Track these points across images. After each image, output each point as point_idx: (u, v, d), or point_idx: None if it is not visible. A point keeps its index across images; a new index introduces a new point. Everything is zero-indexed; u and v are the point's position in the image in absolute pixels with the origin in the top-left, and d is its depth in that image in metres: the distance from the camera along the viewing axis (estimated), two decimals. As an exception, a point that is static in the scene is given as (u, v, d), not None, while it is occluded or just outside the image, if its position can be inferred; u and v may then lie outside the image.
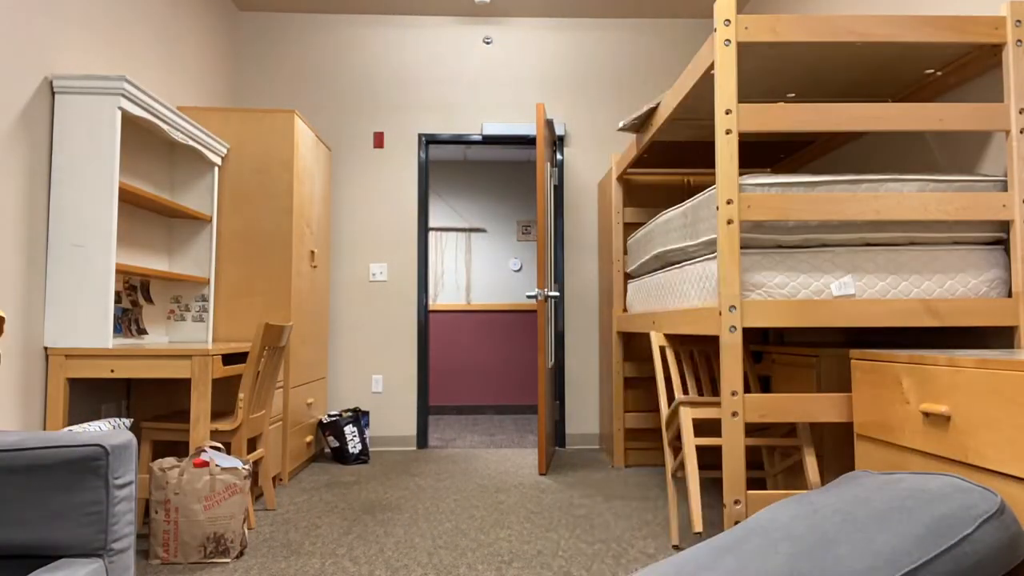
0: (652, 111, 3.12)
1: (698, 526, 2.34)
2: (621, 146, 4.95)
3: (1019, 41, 2.19)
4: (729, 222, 2.14)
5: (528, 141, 4.90)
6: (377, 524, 2.96)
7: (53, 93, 2.77)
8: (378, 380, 4.76)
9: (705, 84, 2.54)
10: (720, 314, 2.14)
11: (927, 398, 1.71)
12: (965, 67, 2.48)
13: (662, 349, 2.87)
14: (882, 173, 2.47)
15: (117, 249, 3.17)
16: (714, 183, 2.72)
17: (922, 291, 2.20)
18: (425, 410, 4.80)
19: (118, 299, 3.17)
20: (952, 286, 2.20)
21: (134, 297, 3.33)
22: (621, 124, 3.33)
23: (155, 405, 3.35)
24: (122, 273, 3.16)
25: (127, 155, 3.24)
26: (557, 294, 4.28)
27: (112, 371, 2.73)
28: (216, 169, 3.69)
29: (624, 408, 4.20)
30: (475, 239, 7.00)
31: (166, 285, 3.63)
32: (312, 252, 4.16)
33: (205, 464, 2.54)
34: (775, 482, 2.76)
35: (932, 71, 2.55)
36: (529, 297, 4.26)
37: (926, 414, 1.70)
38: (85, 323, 2.75)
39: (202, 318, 3.66)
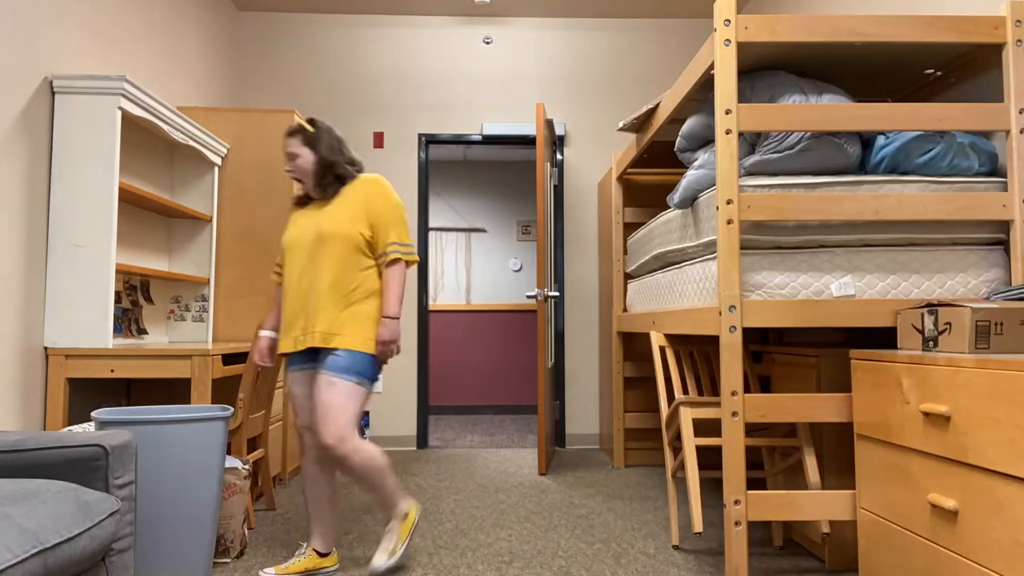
0: (652, 111, 3.12)
1: (698, 526, 2.35)
2: (621, 146, 4.95)
3: (1019, 41, 2.19)
4: (729, 222, 2.14)
5: (528, 141, 4.90)
6: (377, 524, 2.96)
7: (53, 93, 2.77)
8: (378, 380, 4.76)
9: (705, 84, 2.54)
10: (720, 314, 2.14)
11: (927, 398, 1.71)
12: (965, 67, 2.47)
13: (662, 349, 2.87)
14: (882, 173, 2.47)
15: (117, 249, 3.17)
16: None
17: (922, 291, 2.20)
18: (425, 410, 4.80)
19: (118, 299, 3.18)
20: (952, 286, 2.20)
21: (134, 297, 3.33)
22: (621, 124, 3.33)
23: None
24: (122, 273, 3.16)
25: (127, 155, 3.24)
26: (557, 294, 4.28)
27: (112, 371, 2.73)
28: (216, 169, 3.69)
29: (624, 408, 4.20)
30: (475, 239, 7.00)
31: (166, 285, 3.63)
32: (312, 252, 4.15)
33: (205, 464, 2.53)
34: (775, 482, 2.76)
35: (932, 71, 2.55)
36: (529, 297, 4.26)
37: (926, 414, 1.71)
38: (85, 323, 2.75)
39: (202, 318, 3.66)
